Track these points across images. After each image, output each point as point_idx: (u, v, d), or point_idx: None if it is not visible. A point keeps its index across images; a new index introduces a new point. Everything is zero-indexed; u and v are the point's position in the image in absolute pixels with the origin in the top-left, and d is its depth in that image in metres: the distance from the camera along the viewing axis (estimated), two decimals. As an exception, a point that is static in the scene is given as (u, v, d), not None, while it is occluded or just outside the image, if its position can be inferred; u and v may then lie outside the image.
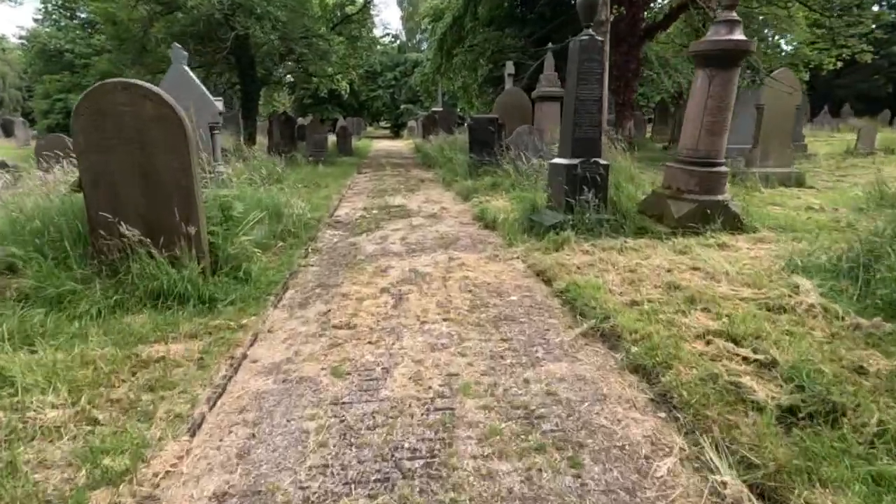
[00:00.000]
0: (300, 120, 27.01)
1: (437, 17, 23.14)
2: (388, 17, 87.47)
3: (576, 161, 5.26)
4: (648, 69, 17.30)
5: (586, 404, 2.41)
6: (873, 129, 14.66)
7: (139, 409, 2.29)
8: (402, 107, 42.66)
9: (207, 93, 5.62)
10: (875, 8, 18.53)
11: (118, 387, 2.48)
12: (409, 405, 2.41)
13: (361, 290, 4.06)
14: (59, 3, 27.43)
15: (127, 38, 13.90)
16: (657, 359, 2.61)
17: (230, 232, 4.13)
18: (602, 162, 5.34)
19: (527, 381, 2.63)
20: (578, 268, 4.30)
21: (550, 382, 2.61)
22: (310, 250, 5.30)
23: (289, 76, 20.16)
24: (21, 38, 35.11)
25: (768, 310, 3.18)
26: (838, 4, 14.73)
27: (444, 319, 3.43)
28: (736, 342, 2.72)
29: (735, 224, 5.26)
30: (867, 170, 11.06)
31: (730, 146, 12.20)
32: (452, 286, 4.13)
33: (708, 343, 2.74)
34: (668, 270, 4.08)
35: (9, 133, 30.16)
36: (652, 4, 17.17)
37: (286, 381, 2.67)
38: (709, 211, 5.21)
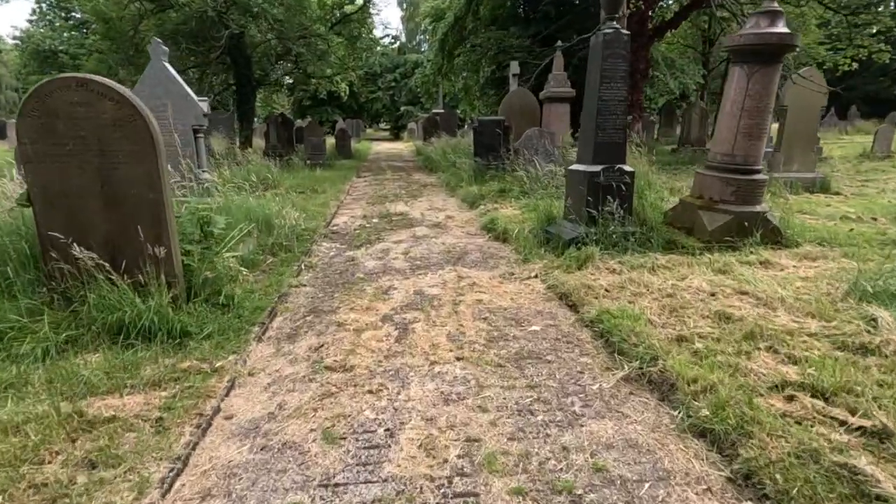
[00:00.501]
0: (299, 122, 26.55)
1: (437, 16, 22.68)
2: (388, 17, 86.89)
3: (598, 168, 4.74)
4: (654, 70, 16.80)
5: (647, 486, 1.88)
6: (890, 132, 14.16)
7: (67, 502, 1.75)
8: (402, 108, 42.18)
9: (191, 92, 5.11)
10: (892, 6, 18.07)
11: (49, 462, 1.95)
12: (421, 488, 1.88)
13: (360, 317, 3.53)
14: (54, 2, 26.95)
15: (118, 38, 13.39)
16: (729, 421, 2.08)
17: (209, 251, 3.60)
18: (627, 168, 4.82)
19: (566, 448, 2.10)
20: (607, 290, 3.78)
21: (596, 451, 2.08)
22: (303, 266, 4.77)
23: (287, 77, 19.64)
24: (15, 38, 34.63)
25: (847, 350, 2.66)
26: (854, 3, 14.26)
27: (458, 358, 2.91)
28: (825, 398, 2.20)
29: (775, 238, 4.74)
30: (888, 174, 10.57)
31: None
32: (464, 312, 3.60)
33: (789, 399, 2.22)
34: (712, 294, 3.56)
35: (2, 135, 29.63)
36: (661, 3, 16.67)
37: (266, 447, 2.14)
38: (746, 223, 4.69)
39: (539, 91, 10.82)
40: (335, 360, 2.89)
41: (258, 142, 19.29)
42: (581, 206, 4.81)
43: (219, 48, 12.16)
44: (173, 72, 5.05)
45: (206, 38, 11.97)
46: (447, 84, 25.87)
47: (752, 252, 4.48)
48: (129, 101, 2.91)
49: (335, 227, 6.65)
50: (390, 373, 2.76)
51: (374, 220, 7.08)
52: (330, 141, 21.33)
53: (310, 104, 41.36)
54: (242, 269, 4.11)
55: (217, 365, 2.72)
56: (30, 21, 31.65)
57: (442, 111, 26.55)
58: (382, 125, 55.78)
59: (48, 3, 28.44)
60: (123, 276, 2.95)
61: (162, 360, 2.74)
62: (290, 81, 35.26)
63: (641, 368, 2.66)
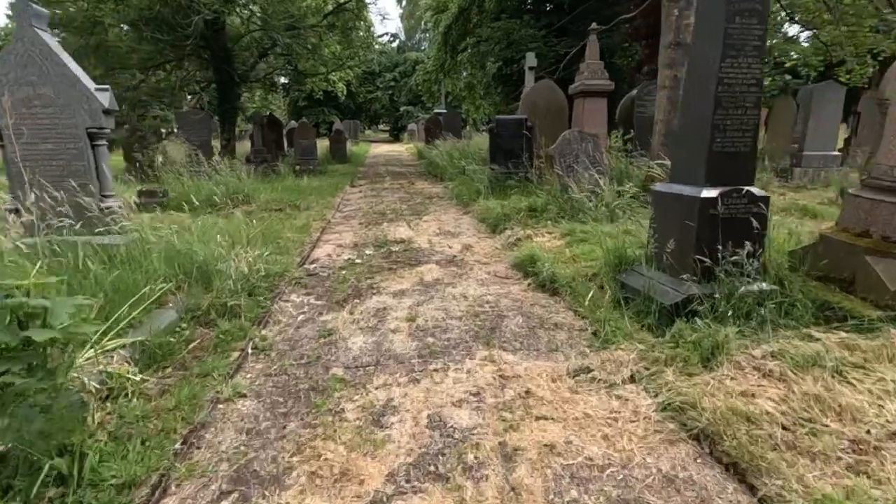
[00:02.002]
0: (293, 123, 24.81)
1: (440, 9, 20.95)
2: (385, 5, 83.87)
3: (714, 192, 3.00)
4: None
5: None
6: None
7: None
8: (402, 109, 40.49)
9: (84, 77, 3.39)
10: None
11: None
12: None
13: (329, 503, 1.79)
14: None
15: (77, 27, 11.67)
16: None
17: (37, 371, 1.86)
18: (757, 192, 3.08)
19: None
20: (785, 428, 2.05)
21: None
22: (249, 350, 3.03)
23: (278, 75, 17.92)
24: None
25: None
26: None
27: None
28: None
29: None
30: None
31: (808, 153, 10.00)
32: (528, 484, 1.86)
33: None
34: None
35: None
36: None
37: None
38: (952, 278, 2.95)
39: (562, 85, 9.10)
40: None
41: (245, 145, 17.59)
42: (687, 249, 3.07)
43: (189, 38, 10.43)
44: (55, 45, 3.32)
45: (175, 27, 10.25)
46: (449, 83, 24.17)
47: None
48: None
49: (313, 265, 4.91)
50: None
51: (367, 252, 5.34)
52: (324, 144, 19.65)
53: (305, 105, 39.68)
54: (131, 373, 2.39)
55: None
56: (9, 16, 29.99)
57: (444, 111, 24.87)
58: (382, 126, 54.11)
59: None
60: None
61: None
62: (285, 81, 33.60)
63: None
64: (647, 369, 2.60)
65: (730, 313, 2.85)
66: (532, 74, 12.16)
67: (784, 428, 2.06)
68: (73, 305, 1.98)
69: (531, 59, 12.00)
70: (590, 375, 2.64)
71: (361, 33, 18.08)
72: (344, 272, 4.62)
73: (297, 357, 2.96)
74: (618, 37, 14.87)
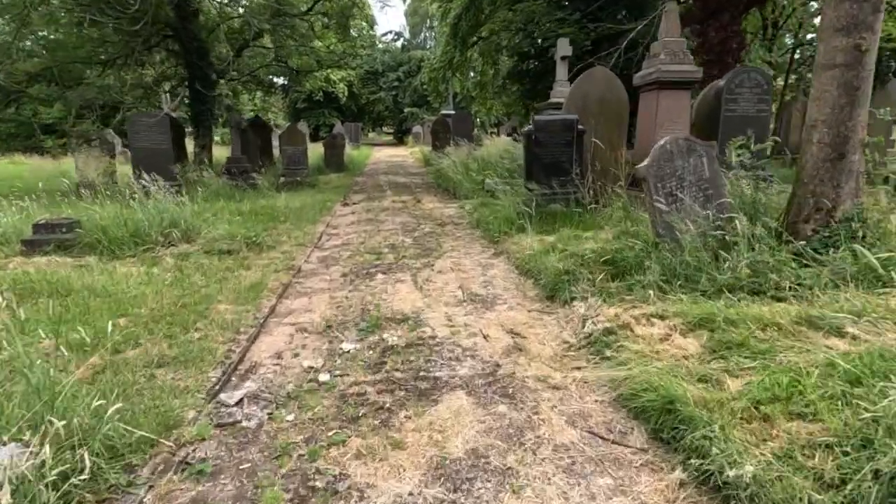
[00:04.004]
0: (298, 126, 22.60)
1: (448, -1, 18.77)
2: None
3: None
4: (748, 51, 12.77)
5: None
6: None
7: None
8: (407, 110, 38.26)
9: None
10: None
11: None
12: None
13: None
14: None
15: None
16: None
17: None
18: None
19: None
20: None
21: None
22: None
23: (262, 70, 15.76)
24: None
25: None
26: None
27: None
28: None
29: None
30: None
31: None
32: None
33: None
34: None
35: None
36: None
37: None
38: None
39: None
40: None
41: (223, 152, 15.42)
42: None
43: (138, 20, 8.30)
44: None
45: (118, 4, 8.10)
46: (457, 82, 21.99)
47: None
48: None
49: (240, 392, 2.66)
50: None
51: (346, 350, 3.10)
52: (320, 150, 17.47)
53: (305, 106, 37.59)
54: None
55: None
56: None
57: (453, 112, 22.66)
58: (385, 129, 51.96)
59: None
60: None
61: None
62: (284, 82, 31.47)
63: None
64: None
65: None
66: (565, 65, 9.92)
67: None
68: None
69: (564, 47, 9.74)
70: None
71: (361, 22, 15.91)
72: (290, 419, 2.38)
73: None
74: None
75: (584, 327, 3.15)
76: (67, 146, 9.32)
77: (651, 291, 3.33)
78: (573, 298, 3.56)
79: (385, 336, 3.29)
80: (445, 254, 5.35)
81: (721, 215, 3.73)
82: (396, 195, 10.15)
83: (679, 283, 3.39)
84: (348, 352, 3.09)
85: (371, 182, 12.98)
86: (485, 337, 3.23)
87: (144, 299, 3.74)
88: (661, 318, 3.05)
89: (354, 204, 9.15)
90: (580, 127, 5.86)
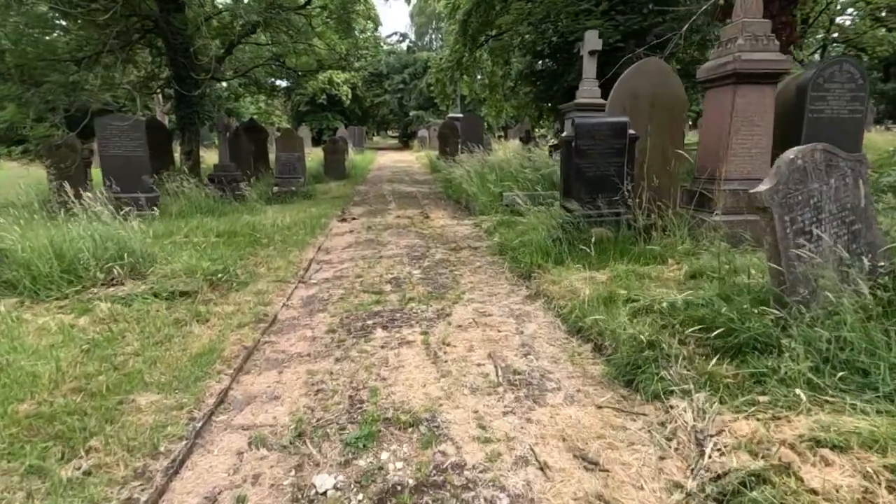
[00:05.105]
0: (298, 130, 21.50)
1: (457, -6, 17.62)
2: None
3: None
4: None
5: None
6: None
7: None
8: (412, 114, 37.14)
9: None
10: None
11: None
12: None
13: None
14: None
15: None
16: None
17: None
18: None
19: None
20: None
21: None
22: None
23: (255, 70, 14.65)
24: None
25: None
26: None
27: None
28: None
29: None
30: None
31: None
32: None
33: None
34: None
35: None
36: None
37: None
38: None
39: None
40: None
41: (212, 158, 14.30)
42: None
43: (108, 9, 7.20)
44: None
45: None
46: (465, 85, 20.83)
47: None
48: None
49: None
50: None
51: (321, 492, 1.92)
52: (320, 155, 16.34)
53: (308, 110, 36.56)
54: None
55: None
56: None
57: (461, 115, 21.52)
58: (390, 133, 50.91)
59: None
60: None
61: None
62: (286, 84, 30.45)
63: None
64: None
65: None
66: (593, 62, 8.73)
67: None
68: None
69: (593, 40, 8.55)
70: None
71: (365, 22, 14.83)
72: None
73: None
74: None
75: (703, 457, 1.95)
76: (33, 153, 8.30)
77: (798, 390, 2.12)
78: (668, 391, 2.36)
79: (384, 458, 2.11)
80: (464, 294, 4.16)
81: (879, 263, 2.52)
82: (401, 208, 8.98)
83: (838, 374, 2.18)
84: (324, 494, 1.91)
85: (374, 192, 11.82)
86: (541, 468, 2.04)
87: (39, 380, 2.58)
88: (841, 448, 1.84)
89: (353, 219, 7.99)
90: (632, 132, 4.67)
